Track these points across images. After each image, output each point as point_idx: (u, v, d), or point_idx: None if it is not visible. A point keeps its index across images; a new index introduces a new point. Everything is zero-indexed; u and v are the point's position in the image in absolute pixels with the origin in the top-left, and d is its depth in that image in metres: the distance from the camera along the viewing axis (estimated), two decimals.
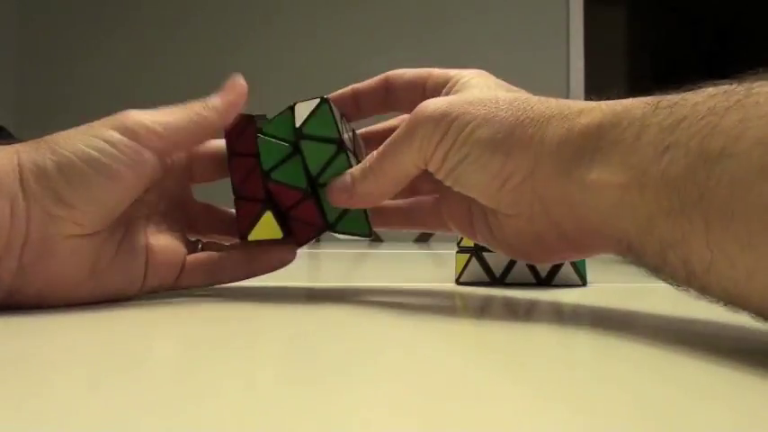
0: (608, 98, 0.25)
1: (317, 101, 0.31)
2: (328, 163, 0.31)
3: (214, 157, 0.34)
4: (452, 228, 0.32)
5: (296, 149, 0.31)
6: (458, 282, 0.41)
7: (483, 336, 0.24)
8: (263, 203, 0.32)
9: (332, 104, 0.31)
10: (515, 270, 0.38)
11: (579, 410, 0.14)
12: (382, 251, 0.93)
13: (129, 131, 0.28)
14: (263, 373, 0.17)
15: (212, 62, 2.54)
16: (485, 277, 0.40)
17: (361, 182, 0.30)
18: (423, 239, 1.43)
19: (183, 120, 0.30)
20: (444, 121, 0.27)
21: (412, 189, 0.33)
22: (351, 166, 0.31)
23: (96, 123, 0.28)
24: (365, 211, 0.31)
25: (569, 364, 0.19)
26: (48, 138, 0.28)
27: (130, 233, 0.30)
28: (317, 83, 2.50)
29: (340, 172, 0.31)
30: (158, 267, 0.31)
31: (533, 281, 0.39)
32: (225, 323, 0.27)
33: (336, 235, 0.32)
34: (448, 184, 0.28)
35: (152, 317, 0.27)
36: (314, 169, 0.31)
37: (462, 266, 0.41)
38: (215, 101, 0.31)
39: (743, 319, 0.20)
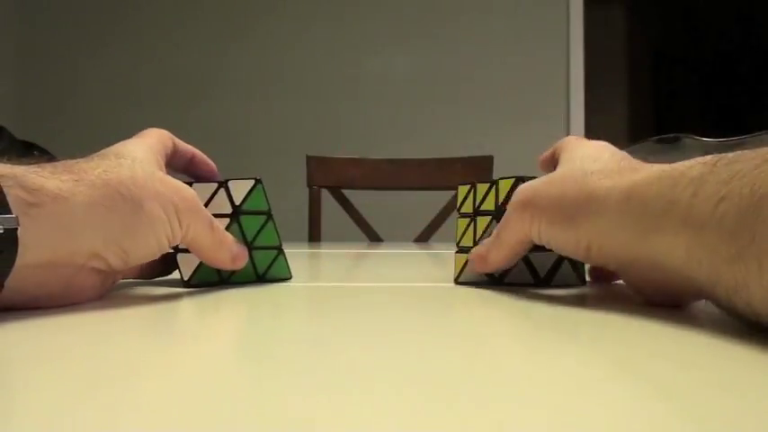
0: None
1: (253, 182, 0.38)
2: (260, 229, 0.39)
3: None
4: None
5: (234, 221, 0.37)
6: (456, 281, 0.41)
7: (482, 336, 0.24)
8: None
9: (263, 183, 0.38)
10: (514, 270, 0.38)
11: (577, 414, 0.14)
12: (382, 251, 0.93)
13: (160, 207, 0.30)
14: (263, 373, 0.17)
15: (212, 62, 2.54)
16: (483, 277, 0.40)
17: (489, 250, 0.37)
18: (422, 239, 1.43)
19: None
20: (528, 209, 0.34)
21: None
22: (275, 230, 0.39)
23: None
24: (286, 261, 0.41)
25: (567, 367, 0.19)
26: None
27: None
28: (317, 82, 2.50)
29: (270, 236, 0.39)
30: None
31: (532, 281, 0.39)
32: (224, 323, 0.27)
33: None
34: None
35: (151, 316, 0.28)
36: (250, 236, 0.38)
37: (461, 266, 0.41)
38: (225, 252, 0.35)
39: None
